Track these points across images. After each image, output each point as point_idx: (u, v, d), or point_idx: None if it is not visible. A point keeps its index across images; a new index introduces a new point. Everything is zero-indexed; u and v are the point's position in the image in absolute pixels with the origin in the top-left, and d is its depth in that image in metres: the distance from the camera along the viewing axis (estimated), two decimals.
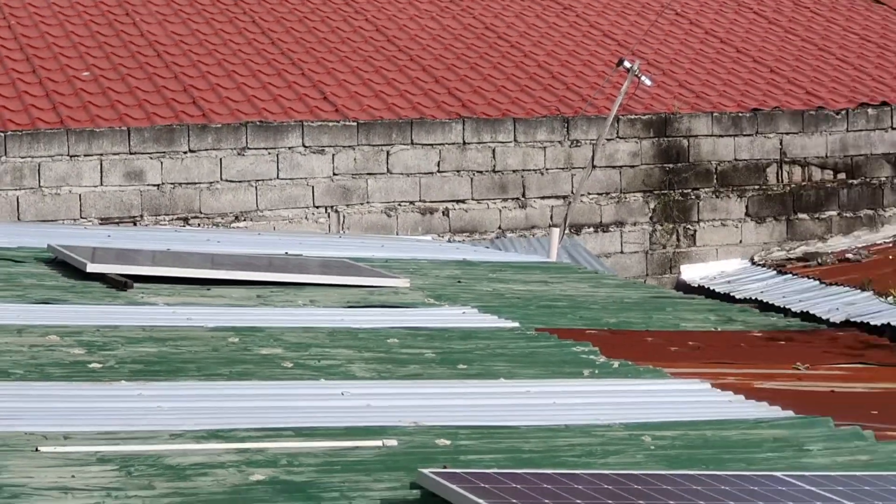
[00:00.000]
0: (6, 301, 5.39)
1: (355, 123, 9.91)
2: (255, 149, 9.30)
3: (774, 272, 10.99)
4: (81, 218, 9.09)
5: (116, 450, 2.50)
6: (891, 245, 11.69)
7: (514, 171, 10.39)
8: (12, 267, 6.54)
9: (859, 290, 9.85)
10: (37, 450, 2.39)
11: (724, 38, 13.71)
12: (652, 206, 11.21)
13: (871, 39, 14.07)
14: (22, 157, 8.50)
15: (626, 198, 11.03)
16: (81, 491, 1.93)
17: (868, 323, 8.66)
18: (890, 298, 9.06)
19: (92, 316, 5.20)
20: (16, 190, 8.90)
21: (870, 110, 11.80)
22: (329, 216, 9.84)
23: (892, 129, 12.02)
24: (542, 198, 10.69)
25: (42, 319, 4.99)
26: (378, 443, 2.93)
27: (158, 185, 9.02)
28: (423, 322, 5.77)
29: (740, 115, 11.41)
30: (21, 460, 2.26)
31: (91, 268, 5.81)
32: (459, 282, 7.42)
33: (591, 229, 10.83)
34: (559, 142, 10.60)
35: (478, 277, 7.73)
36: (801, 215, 11.56)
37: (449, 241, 9.98)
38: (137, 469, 2.28)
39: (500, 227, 10.35)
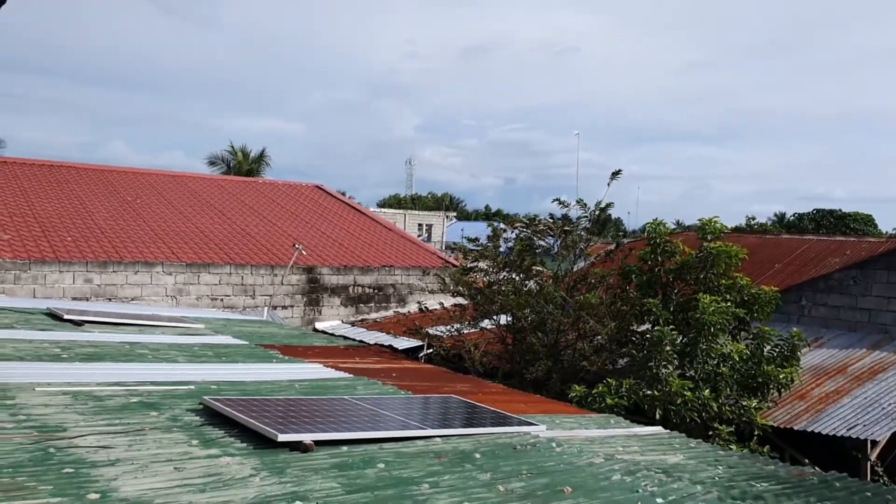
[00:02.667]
0: None
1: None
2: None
3: (350, 326, 16.09)
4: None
5: None
6: (392, 317, 16.97)
7: (251, 285, 16.04)
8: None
9: (383, 333, 14.55)
10: None
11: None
12: (304, 300, 16.65)
13: None
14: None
15: (294, 297, 16.49)
16: None
17: (392, 346, 13.25)
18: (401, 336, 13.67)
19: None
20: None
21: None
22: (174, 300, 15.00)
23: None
24: (262, 296, 16.05)
25: None
26: (190, 387, 6.06)
27: (99, 285, 14.43)
28: (208, 341, 9.52)
29: (344, 266, 17.66)
30: None
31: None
32: (224, 326, 11.72)
33: (281, 308, 16.22)
34: (269, 275, 16.20)
35: (233, 325, 12.16)
36: (360, 305, 17.40)
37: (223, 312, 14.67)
38: None
39: (244, 307, 15.74)
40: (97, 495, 3.16)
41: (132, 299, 14.61)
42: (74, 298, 13.87)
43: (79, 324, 9.67)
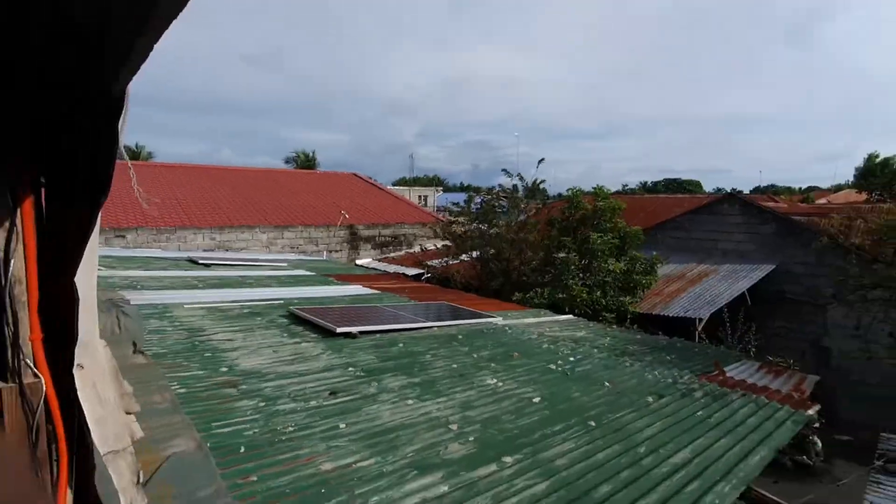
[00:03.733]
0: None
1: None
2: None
3: (378, 262, 15.05)
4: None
5: None
6: (404, 255, 16.75)
7: (315, 238, 17.01)
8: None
9: (399, 265, 14.30)
10: None
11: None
12: (348, 246, 16.71)
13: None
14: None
15: (342, 244, 16.12)
16: None
17: (405, 273, 12.46)
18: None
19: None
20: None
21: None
22: (268, 249, 15.11)
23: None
24: (322, 244, 16.67)
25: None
26: (280, 301, 5.95)
27: (219, 242, 14.71)
28: (290, 273, 9.35)
29: (373, 223, 19.82)
30: None
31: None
32: (300, 264, 11.17)
33: (334, 252, 15.90)
34: (325, 231, 17.80)
35: (305, 263, 11.76)
36: (384, 248, 18.52)
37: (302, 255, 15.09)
38: None
39: (311, 252, 15.85)
40: (226, 368, 3.19)
41: (241, 249, 14.44)
42: (204, 250, 13.69)
43: (208, 265, 9.54)
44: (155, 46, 0.99)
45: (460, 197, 16.86)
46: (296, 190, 19.65)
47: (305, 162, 40.41)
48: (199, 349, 3.68)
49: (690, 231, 13.99)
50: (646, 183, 68.63)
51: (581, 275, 10.63)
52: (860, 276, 7.47)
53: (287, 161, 41.64)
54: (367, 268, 14.09)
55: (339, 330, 4.38)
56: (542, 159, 12.95)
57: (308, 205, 18.06)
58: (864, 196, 24.03)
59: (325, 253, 15.75)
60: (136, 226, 13.18)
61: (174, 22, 0.90)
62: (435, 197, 49.60)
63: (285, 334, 4.42)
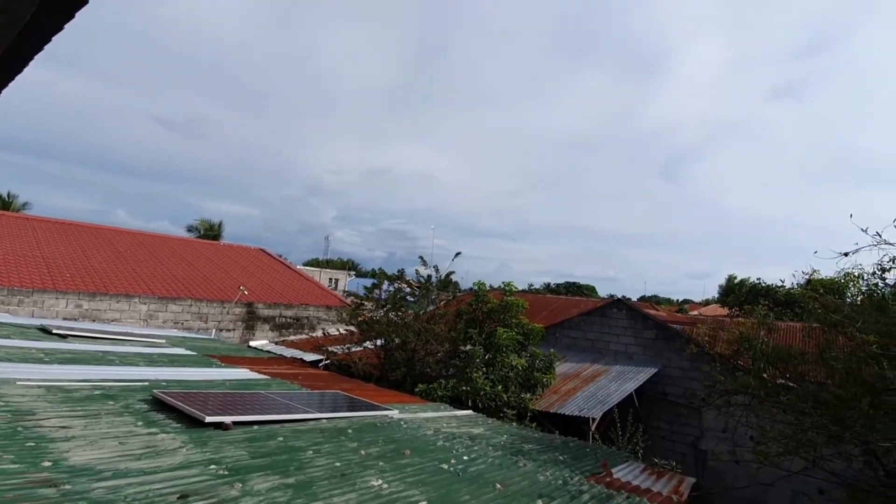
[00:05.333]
0: None
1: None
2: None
3: (274, 344, 13.95)
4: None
5: None
6: (305, 339, 15.14)
7: (205, 314, 14.17)
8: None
9: (297, 349, 13.68)
10: None
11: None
12: (243, 326, 14.89)
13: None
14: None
15: (236, 323, 14.69)
16: None
17: (302, 358, 11.58)
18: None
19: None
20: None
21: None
22: (146, 323, 12.99)
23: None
24: (213, 321, 14.30)
25: None
26: (145, 383, 5.24)
27: (87, 310, 12.28)
28: (166, 352, 8.18)
29: (274, 303, 17.97)
30: None
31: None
32: (181, 341, 10.31)
33: (225, 331, 14.39)
34: (219, 307, 15.10)
35: (188, 341, 10.67)
36: (283, 330, 16.10)
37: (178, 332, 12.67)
38: None
39: (198, 329, 13.88)
40: (50, 463, 2.62)
41: (112, 321, 12.69)
42: (65, 319, 11.83)
43: (63, 336, 8.27)
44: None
45: (372, 282, 16.72)
46: (192, 260, 18.24)
47: (209, 232, 38.15)
48: (19, 437, 3.01)
49: (585, 331, 14.94)
50: (549, 284, 73.38)
51: (485, 369, 10.68)
52: (724, 381, 8.32)
53: (189, 229, 39.03)
54: (260, 350, 13.09)
55: (208, 419, 3.86)
56: (459, 253, 13.42)
57: (203, 277, 16.72)
58: (726, 310, 27.78)
59: (213, 331, 14.35)
60: None
61: (35, 59, 0.85)
62: (346, 281, 48.66)
63: (140, 423, 3.80)
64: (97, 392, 4.69)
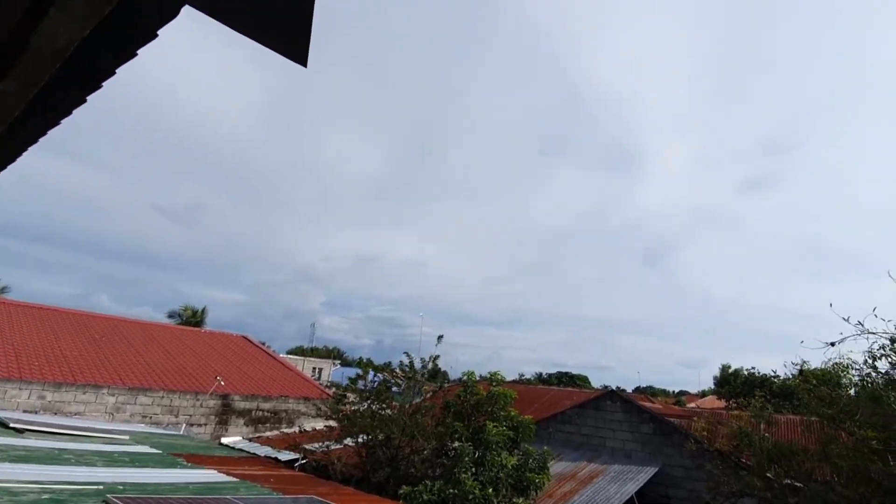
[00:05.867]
0: None
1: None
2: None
3: (248, 441, 13.29)
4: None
5: None
6: (281, 435, 14.09)
7: (176, 406, 13.33)
8: None
9: (271, 447, 12.03)
10: None
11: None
12: (216, 420, 14.04)
13: None
14: None
15: (209, 417, 13.82)
16: None
17: (277, 457, 11.05)
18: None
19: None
20: None
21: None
22: (112, 416, 12.12)
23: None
24: (184, 415, 13.56)
25: None
26: (99, 487, 4.73)
27: (50, 401, 11.53)
28: (128, 449, 7.62)
29: (251, 395, 16.00)
30: None
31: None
32: (146, 437, 9.80)
33: (197, 426, 13.54)
34: (192, 399, 14.01)
35: (154, 437, 10.11)
36: (259, 425, 14.88)
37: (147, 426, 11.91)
38: None
39: (167, 423, 13.09)
40: None
41: (76, 414, 11.83)
42: (26, 411, 11.03)
43: (21, 431, 7.72)
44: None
45: (356, 373, 16.01)
46: (169, 348, 17.58)
47: (192, 318, 37.32)
48: None
49: (579, 426, 14.25)
50: (541, 374, 71.36)
51: (475, 468, 9.96)
52: (728, 482, 7.83)
53: (171, 315, 38.17)
54: (232, 448, 12.24)
55: None
56: (442, 336, 13.00)
57: (178, 366, 16.01)
58: (723, 402, 26.92)
59: (184, 427, 13.42)
60: None
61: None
62: (331, 370, 46.93)
63: None
64: (45, 496, 4.23)
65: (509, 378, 16.38)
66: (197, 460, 7.78)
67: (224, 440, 13.88)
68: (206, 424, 14.08)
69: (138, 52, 1.10)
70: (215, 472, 6.91)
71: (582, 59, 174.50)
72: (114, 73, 1.09)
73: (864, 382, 7.16)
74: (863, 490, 5.64)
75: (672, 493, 12.12)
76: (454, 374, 15.78)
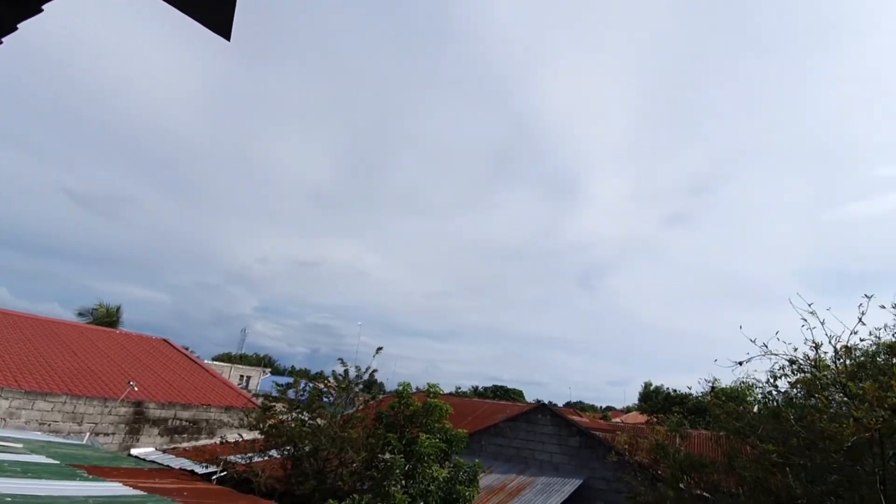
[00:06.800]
0: None
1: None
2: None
3: (161, 452, 12.27)
4: None
5: None
6: (200, 446, 13.18)
7: (81, 413, 12.13)
8: None
9: (188, 459, 11.17)
10: None
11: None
12: (126, 429, 13.01)
13: None
14: None
15: (118, 426, 12.83)
16: None
17: (193, 470, 10.30)
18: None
19: None
20: None
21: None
22: (3, 422, 10.84)
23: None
24: (89, 423, 12.40)
25: None
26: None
27: None
28: (20, 459, 6.95)
29: (169, 402, 14.59)
30: None
31: None
32: (43, 447, 8.63)
33: (104, 435, 12.55)
34: (100, 406, 12.74)
35: (52, 446, 9.08)
36: (175, 436, 13.98)
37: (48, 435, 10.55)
38: None
39: (69, 432, 11.93)
40: None
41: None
42: None
43: None
44: None
45: (287, 381, 15.46)
46: (77, 349, 16.08)
47: (106, 318, 34.28)
48: None
49: (511, 439, 14.52)
50: (477, 387, 72.07)
51: (405, 481, 9.85)
52: (645, 494, 8.27)
53: (81, 314, 34.86)
54: (142, 459, 11.27)
55: None
56: (381, 348, 12.68)
57: (86, 369, 14.66)
58: (645, 417, 28.52)
59: (88, 436, 12.27)
60: None
61: None
62: (260, 378, 44.81)
63: None
64: None
65: (446, 391, 16.43)
66: (100, 472, 7.13)
67: (134, 451, 12.79)
68: (114, 434, 12.95)
69: (44, 7, 1.02)
70: (120, 484, 6.37)
71: (529, 88, 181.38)
72: (16, 28, 1.00)
73: (767, 400, 7.88)
74: (764, 500, 6.15)
75: None
76: (391, 386, 15.63)
